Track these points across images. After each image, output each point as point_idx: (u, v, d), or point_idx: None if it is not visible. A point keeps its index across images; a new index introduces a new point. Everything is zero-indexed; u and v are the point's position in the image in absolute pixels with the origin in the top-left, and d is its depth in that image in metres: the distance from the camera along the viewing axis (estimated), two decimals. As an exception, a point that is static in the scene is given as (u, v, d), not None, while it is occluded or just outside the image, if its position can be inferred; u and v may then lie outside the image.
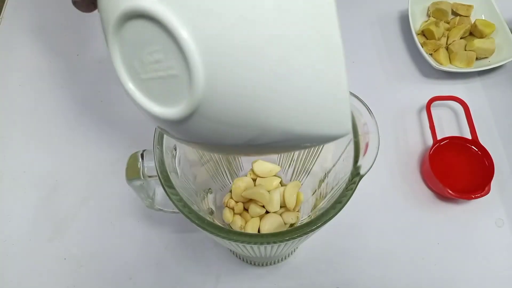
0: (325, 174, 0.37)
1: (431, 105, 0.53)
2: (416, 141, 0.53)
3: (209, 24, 0.17)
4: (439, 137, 0.50)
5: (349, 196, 0.28)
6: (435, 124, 0.51)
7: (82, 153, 0.52)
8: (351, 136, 0.30)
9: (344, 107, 0.19)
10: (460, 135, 0.52)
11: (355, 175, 0.29)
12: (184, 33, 0.17)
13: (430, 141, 0.51)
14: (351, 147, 0.30)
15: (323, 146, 0.37)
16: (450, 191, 0.45)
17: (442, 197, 0.49)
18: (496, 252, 0.46)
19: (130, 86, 0.20)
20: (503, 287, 0.44)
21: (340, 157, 0.33)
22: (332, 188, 0.33)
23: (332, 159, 0.35)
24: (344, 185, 0.29)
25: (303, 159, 0.42)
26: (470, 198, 0.46)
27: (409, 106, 0.56)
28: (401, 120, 0.55)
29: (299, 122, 0.19)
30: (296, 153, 0.42)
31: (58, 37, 0.62)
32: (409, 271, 0.45)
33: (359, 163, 0.29)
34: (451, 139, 0.50)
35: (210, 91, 0.18)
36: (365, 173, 0.29)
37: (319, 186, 0.39)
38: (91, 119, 0.55)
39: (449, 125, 0.54)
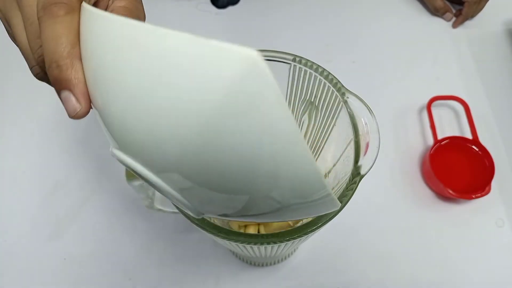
0: (326, 174, 0.37)
1: (432, 104, 0.53)
2: (416, 141, 0.53)
3: None
4: (439, 137, 0.50)
5: (350, 196, 0.28)
6: (435, 124, 0.51)
7: (82, 153, 0.52)
8: (351, 136, 0.30)
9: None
10: (460, 135, 0.52)
11: (356, 175, 0.28)
12: None
13: (431, 141, 0.51)
14: (352, 147, 0.30)
15: (323, 146, 0.37)
16: (450, 191, 0.45)
17: (443, 197, 0.49)
18: (496, 252, 0.46)
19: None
20: (503, 287, 0.44)
21: (340, 157, 0.33)
22: (333, 188, 0.33)
23: (332, 159, 0.35)
24: (345, 185, 0.29)
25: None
26: (470, 198, 0.46)
27: (409, 106, 0.56)
28: (401, 120, 0.55)
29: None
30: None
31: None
32: (409, 271, 0.45)
33: (359, 163, 0.29)
34: (452, 139, 0.50)
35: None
36: (366, 173, 0.29)
37: (319, 186, 0.38)
38: (91, 119, 0.55)
39: (450, 125, 0.54)
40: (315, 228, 0.27)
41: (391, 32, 0.63)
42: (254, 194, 0.19)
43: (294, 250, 0.45)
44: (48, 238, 0.47)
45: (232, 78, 0.14)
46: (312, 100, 0.36)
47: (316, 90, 0.34)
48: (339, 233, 0.46)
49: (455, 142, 0.50)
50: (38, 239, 0.47)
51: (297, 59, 0.33)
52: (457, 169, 0.49)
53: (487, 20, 0.63)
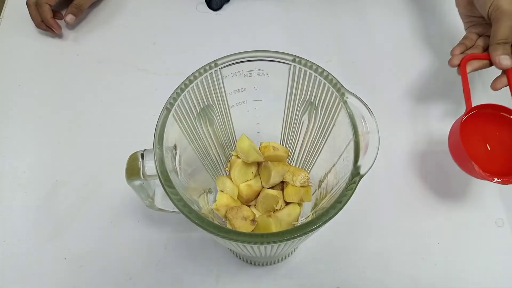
0: (325, 174, 0.37)
1: (467, 63, 0.43)
2: (416, 141, 0.53)
3: None
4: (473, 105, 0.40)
5: (349, 196, 0.28)
6: (470, 86, 0.41)
7: (82, 153, 0.52)
8: (351, 136, 0.30)
9: None
10: (498, 103, 0.42)
11: (355, 175, 0.29)
12: None
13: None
14: (351, 146, 0.30)
15: (323, 146, 0.37)
16: (481, 171, 0.37)
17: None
18: (496, 252, 0.46)
19: None
20: (503, 287, 0.44)
21: (340, 157, 0.33)
22: (332, 188, 0.33)
23: (332, 159, 0.35)
24: (344, 185, 0.29)
25: (303, 159, 0.42)
26: (508, 183, 0.37)
27: (409, 106, 0.56)
28: (401, 120, 0.55)
29: None
30: (296, 153, 0.42)
31: (58, 37, 0.62)
32: (409, 271, 0.45)
33: (359, 163, 0.29)
34: (486, 107, 0.40)
35: None
36: (365, 173, 0.29)
37: (319, 186, 0.39)
38: (91, 119, 0.55)
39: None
40: (315, 228, 0.27)
41: (391, 32, 0.63)
42: None
43: (294, 250, 0.45)
44: (48, 238, 0.47)
45: None
46: (312, 100, 0.36)
47: (316, 91, 0.34)
48: (338, 233, 0.46)
49: (491, 112, 0.41)
50: (38, 239, 0.47)
51: (297, 59, 0.33)
52: (493, 145, 0.41)
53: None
